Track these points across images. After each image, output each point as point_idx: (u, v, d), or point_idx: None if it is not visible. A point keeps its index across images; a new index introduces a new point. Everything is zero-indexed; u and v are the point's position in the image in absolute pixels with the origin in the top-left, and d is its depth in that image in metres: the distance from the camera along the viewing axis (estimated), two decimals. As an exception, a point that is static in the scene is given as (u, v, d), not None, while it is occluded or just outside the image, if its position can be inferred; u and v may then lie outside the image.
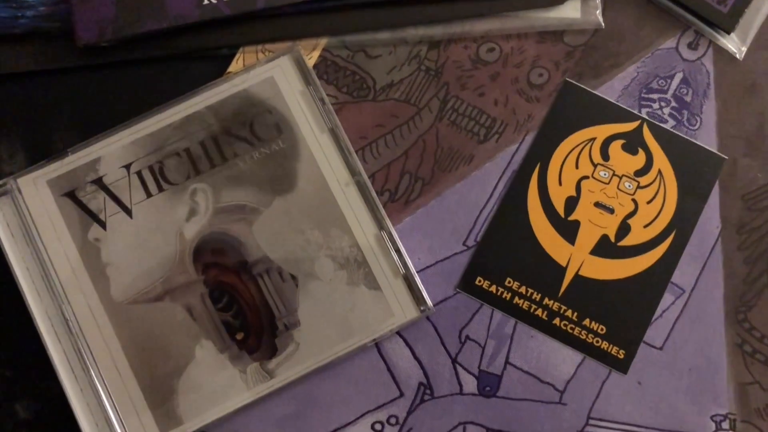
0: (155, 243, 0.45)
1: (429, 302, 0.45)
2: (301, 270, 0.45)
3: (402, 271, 0.46)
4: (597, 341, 0.46)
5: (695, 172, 0.48)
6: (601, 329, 0.46)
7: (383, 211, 0.46)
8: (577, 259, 0.47)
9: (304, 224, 0.46)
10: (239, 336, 0.45)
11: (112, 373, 0.44)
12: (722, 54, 0.49)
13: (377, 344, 0.46)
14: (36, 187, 0.46)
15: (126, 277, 0.45)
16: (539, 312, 0.47)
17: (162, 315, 0.45)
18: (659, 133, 0.48)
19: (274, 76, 0.47)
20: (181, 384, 0.44)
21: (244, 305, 0.45)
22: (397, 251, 0.46)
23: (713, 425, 0.46)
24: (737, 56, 0.49)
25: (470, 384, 0.46)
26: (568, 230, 0.47)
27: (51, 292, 0.45)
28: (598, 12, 0.49)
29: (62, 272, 0.45)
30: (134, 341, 0.44)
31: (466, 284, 0.47)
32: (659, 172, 0.48)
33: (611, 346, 0.46)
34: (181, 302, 0.45)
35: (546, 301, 0.47)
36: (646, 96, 0.49)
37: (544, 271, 0.47)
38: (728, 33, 0.49)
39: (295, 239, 0.46)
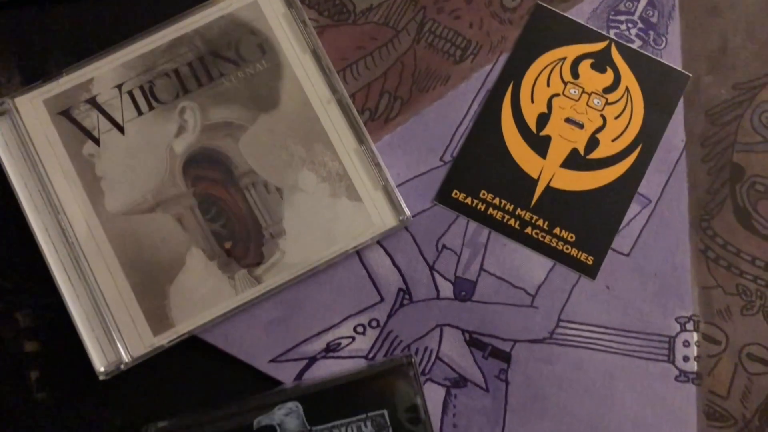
0: (146, 158, 0.48)
1: (407, 212, 0.48)
2: (285, 183, 0.48)
3: (381, 183, 0.48)
4: (567, 248, 0.49)
5: (661, 89, 0.50)
6: (571, 237, 0.49)
7: (363, 128, 0.48)
8: (548, 171, 0.49)
9: (287, 140, 0.48)
10: (227, 245, 0.47)
11: (107, 280, 0.47)
12: (687, -23, 0.52)
13: (359, 253, 0.49)
14: (32, 107, 0.48)
15: (119, 190, 0.47)
16: (512, 222, 0.49)
17: (154, 225, 0.47)
18: (626, 53, 0.51)
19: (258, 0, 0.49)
20: (173, 290, 0.47)
21: (231, 216, 0.48)
22: (377, 165, 0.48)
23: (678, 326, 0.48)
24: (701, -21, 0.51)
25: (447, 289, 0.48)
26: (540, 145, 0.50)
27: (48, 205, 0.47)
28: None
29: (58, 186, 0.47)
30: (128, 250, 0.47)
31: (443, 197, 0.49)
32: (626, 89, 0.50)
33: (580, 252, 0.49)
34: (171, 213, 0.47)
35: (518, 211, 0.49)
36: (614, 18, 0.51)
37: (517, 184, 0.49)
38: (692, -44, 0.51)
39: (279, 154, 0.48)
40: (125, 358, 0.46)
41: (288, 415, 0.44)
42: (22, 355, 0.48)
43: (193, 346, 0.47)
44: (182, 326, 0.46)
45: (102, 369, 0.46)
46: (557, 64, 0.50)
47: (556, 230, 0.49)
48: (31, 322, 0.48)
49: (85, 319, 0.46)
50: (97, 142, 0.48)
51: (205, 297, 0.47)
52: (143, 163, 0.48)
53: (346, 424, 0.44)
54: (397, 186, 0.49)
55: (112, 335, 0.46)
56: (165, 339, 0.46)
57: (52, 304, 0.47)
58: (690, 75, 0.50)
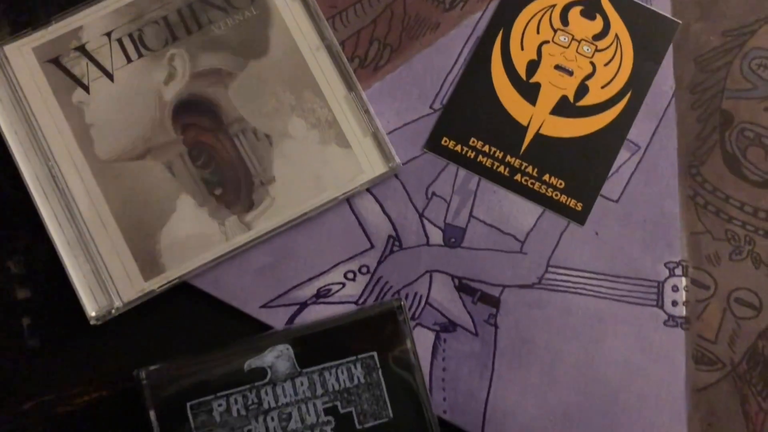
0: (136, 105, 0.48)
1: (397, 158, 0.48)
2: (274, 130, 0.48)
3: (371, 130, 0.48)
4: (556, 195, 0.49)
5: (650, 36, 0.50)
6: (560, 184, 0.49)
7: (353, 74, 0.48)
8: (537, 118, 0.49)
9: (276, 87, 0.48)
10: (218, 191, 0.47)
11: (98, 226, 0.47)
12: (677, -76, 0.51)
13: (349, 201, 0.49)
14: (22, 55, 0.48)
15: (109, 137, 0.47)
16: (501, 169, 0.49)
17: (144, 172, 0.47)
18: (616, 0, 0.51)
19: (247, -53, 0.49)
20: (163, 236, 0.47)
21: (221, 163, 0.48)
22: (366, 112, 0.48)
23: (667, 272, 0.48)
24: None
25: (436, 236, 0.49)
26: (530, 92, 0.50)
27: (39, 153, 0.47)
28: None
29: (49, 134, 0.47)
30: (118, 197, 0.47)
31: (433, 144, 0.49)
32: (616, 36, 0.50)
33: (570, 199, 0.49)
34: (161, 160, 0.47)
35: (508, 158, 0.49)
36: (604, -35, 0.51)
37: (507, 131, 0.49)
38: None
39: (268, 101, 0.48)
40: (116, 303, 0.46)
41: (278, 357, 0.45)
42: (14, 302, 0.48)
43: (184, 292, 0.48)
44: (173, 271, 0.47)
45: (93, 314, 0.46)
46: (547, 11, 0.50)
47: (546, 177, 0.49)
48: (23, 270, 0.48)
49: (76, 266, 0.47)
50: (86, 89, 0.48)
51: (196, 243, 0.47)
52: (133, 110, 0.48)
53: (336, 366, 0.45)
54: (387, 134, 0.49)
55: (103, 281, 0.46)
56: (156, 284, 0.46)
57: (44, 251, 0.48)
58: (679, 22, 0.50)
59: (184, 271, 0.47)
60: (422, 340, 0.48)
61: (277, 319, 0.48)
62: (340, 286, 0.48)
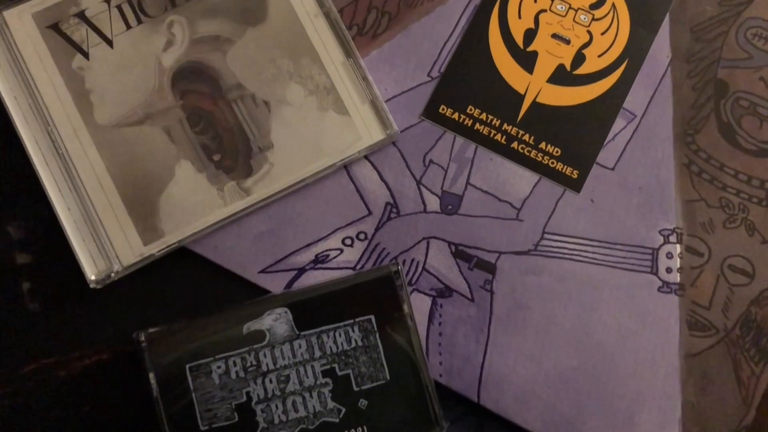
0: (135, 71, 0.48)
1: (395, 126, 0.48)
2: (273, 96, 0.48)
3: (369, 96, 0.48)
4: (552, 162, 0.49)
5: (647, 5, 0.51)
6: (557, 152, 0.49)
7: (351, 41, 0.49)
8: (534, 87, 0.50)
9: (275, 53, 0.48)
10: (216, 157, 0.48)
11: (98, 191, 0.47)
12: None
13: (347, 168, 0.49)
14: (21, 20, 0.48)
15: (109, 103, 0.48)
16: (498, 137, 0.49)
17: (143, 138, 0.48)
18: (613, -31, 0.51)
19: None
20: (162, 201, 0.47)
21: (220, 129, 0.48)
22: (364, 79, 0.48)
23: (661, 239, 0.49)
24: None
25: (433, 203, 0.49)
26: (527, 60, 0.50)
27: (39, 119, 0.47)
28: None
29: (48, 99, 0.48)
30: (117, 162, 0.47)
31: (430, 112, 0.50)
32: (613, 5, 0.50)
33: (566, 167, 0.49)
34: (160, 126, 0.48)
35: (505, 126, 0.50)
36: (601, -66, 0.51)
37: (504, 99, 0.50)
38: None
39: (267, 67, 0.48)
40: (116, 266, 0.46)
41: (277, 320, 0.45)
42: (14, 267, 0.48)
43: (183, 257, 0.48)
44: (172, 236, 0.47)
45: (93, 278, 0.46)
46: (544, -20, 0.51)
47: (542, 145, 0.49)
48: (23, 235, 0.48)
49: (76, 230, 0.47)
50: (86, 55, 0.48)
51: (195, 208, 0.47)
52: (132, 76, 0.48)
53: (333, 329, 0.45)
54: (385, 102, 0.49)
55: (102, 245, 0.46)
56: (155, 248, 0.47)
57: (44, 216, 0.48)
58: (676, -9, 0.51)
59: (183, 235, 0.47)
60: (419, 306, 0.48)
61: (275, 284, 0.48)
62: (338, 252, 0.49)
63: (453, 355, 0.48)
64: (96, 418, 0.47)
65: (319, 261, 0.48)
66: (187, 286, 0.48)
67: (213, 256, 0.48)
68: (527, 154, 0.49)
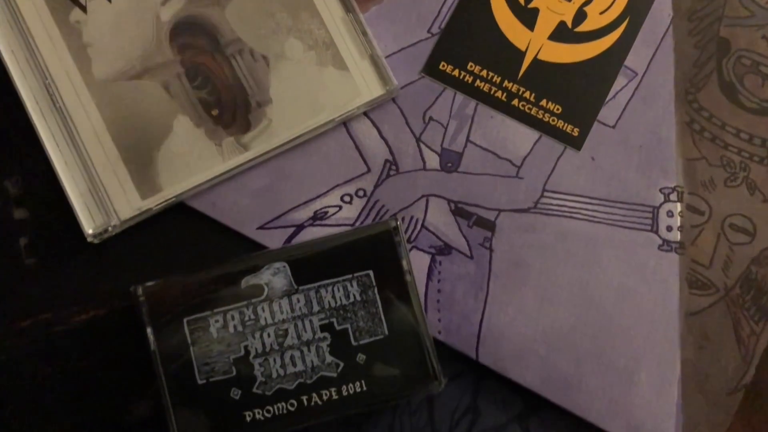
0: (133, 25, 0.48)
1: (394, 81, 0.48)
2: (271, 51, 0.48)
3: (368, 52, 0.48)
4: (553, 120, 0.49)
5: (649, -37, 0.50)
6: (557, 109, 0.49)
7: (350, -3, 0.48)
8: (535, 43, 0.49)
9: (274, 7, 0.48)
10: (214, 112, 0.47)
11: (96, 146, 0.47)
12: None
13: (346, 125, 0.49)
14: (18, -27, 0.48)
15: (106, 57, 0.47)
16: (499, 94, 0.49)
17: (141, 92, 0.47)
18: (616, -74, 0.50)
19: None
20: (160, 156, 0.47)
21: (218, 84, 0.48)
22: (364, 33, 0.48)
23: (662, 197, 0.49)
24: None
25: (433, 160, 0.49)
26: (528, 17, 0.50)
27: (36, 73, 0.47)
28: None
29: (46, 53, 0.47)
30: (115, 116, 0.47)
31: (431, 69, 0.49)
32: (615, -38, 0.50)
33: (566, 124, 0.49)
34: (158, 80, 0.47)
35: (506, 83, 0.49)
36: None
37: (505, 56, 0.49)
38: None
39: (265, 22, 0.48)
40: (114, 221, 0.46)
41: (275, 274, 0.45)
42: (11, 222, 0.48)
43: (182, 213, 0.48)
44: (170, 190, 0.47)
45: (90, 231, 0.46)
46: (546, -64, 0.50)
47: (543, 102, 0.49)
48: (20, 190, 0.48)
49: (73, 185, 0.47)
50: (83, 9, 0.48)
51: (193, 163, 0.47)
52: (130, 30, 0.48)
53: (332, 284, 0.45)
54: (385, 58, 0.49)
55: (100, 199, 0.46)
56: (153, 203, 0.46)
57: (41, 171, 0.48)
58: (679, -52, 0.50)
59: (181, 190, 0.47)
60: (418, 263, 0.48)
61: (273, 240, 0.48)
62: (337, 208, 0.48)
63: (452, 312, 0.48)
64: (93, 372, 0.47)
65: (318, 218, 0.48)
66: (186, 242, 0.48)
67: (211, 212, 0.48)
68: (528, 111, 0.49)
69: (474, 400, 0.48)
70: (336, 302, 0.45)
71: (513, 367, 0.47)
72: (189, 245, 0.48)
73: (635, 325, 0.47)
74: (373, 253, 0.45)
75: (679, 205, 0.48)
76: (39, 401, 0.47)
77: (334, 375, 0.45)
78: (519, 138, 0.49)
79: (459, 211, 0.48)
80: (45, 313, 0.47)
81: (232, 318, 0.45)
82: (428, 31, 0.50)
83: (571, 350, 0.47)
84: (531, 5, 0.50)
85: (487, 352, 0.47)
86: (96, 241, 0.46)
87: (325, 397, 0.44)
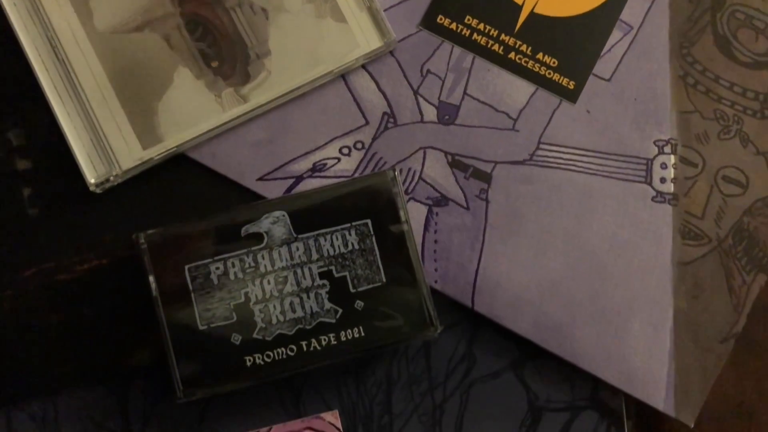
0: (134, -22, 0.48)
1: (392, 33, 0.48)
2: (270, 3, 0.48)
3: (366, 3, 0.48)
4: (549, 73, 0.50)
5: None
6: (553, 62, 0.50)
7: (349, -50, 0.49)
8: (532, -3, 0.50)
9: (273, -39, 0.48)
10: (214, 64, 0.48)
11: (98, 97, 0.47)
12: None
13: (344, 78, 0.49)
14: (19, -74, 0.48)
15: (108, 9, 0.48)
16: (496, 47, 0.50)
17: (142, 44, 0.48)
18: None
19: None
20: (161, 107, 0.48)
21: (218, 36, 0.48)
22: (362, -13, 0.49)
23: (656, 149, 0.49)
24: None
25: (430, 113, 0.49)
26: (524, -29, 0.50)
27: (38, 25, 0.48)
28: None
29: (48, 5, 0.48)
30: (116, 68, 0.48)
31: (428, 22, 0.50)
32: None
33: (562, 77, 0.50)
34: (159, 32, 0.48)
35: (503, 36, 0.50)
36: None
37: (502, 9, 0.50)
38: None
39: (265, -25, 0.48)
40: (116, 170, 0.47)
41: (275, 223, 0.46)
42: (14, 173, 0.49)
43: (182, 165, 0.49)
44: (170, 141, 0.47)
45: (93, 181, 0.47)
46: None
47: (539, 56, 0.50)
48: (23, 141, 0.49)
49: (76, 135, 0.47)
50: (84, -39, 0.48)
51: (193, 114, 0.48)
52: (131, -18, 0.48)
53: (330, 233, 0.46)
54: (383, 11, 0.49)
55: (103, 149, 0.47)
56: (154, 153, 0.47)
57: (44, 122, 0.48)
58: None
59: (182, 140, 0.47)
60: (415, 215, 0.49)
61: (273, 191, 0.49)
62: (335, 161, 0.49)
63: (448, 261, 0.48)
64: (96, 320, 0.48)
65: (317, 169, 0.49)
66: (186, 193, 0.49)
67: (212, 163, 0.49)
68: (524, 64, 0.50)
69: (470, 348, 0.49)
70: (334, 250, 0.46)
71: (508, 316, 0.48)
72: (190, 196, 0.49)
73: (628, 274, 0.48)
74: (371, 202, 0.46)
75: (672, 157, 0.49)
76: (43, 349, 0.48)
77: (333, 321, 0.45)
78: (515, 91, 0.49)
79: (456, 163, 0.49)
80: (48, 263, 0.48)
81: (233, 265, 0.45)
82: (426, -15, 0.50)
83: (565, 299, 0.48)
84: (528, -41, 0.50)
85: (482, 301, 0.48)
86: (98, 190, 0.47)
87: (324, 343, 0.45)
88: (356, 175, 0.49)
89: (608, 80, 0.50)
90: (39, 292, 0.48)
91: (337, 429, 0.48)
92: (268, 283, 0.45)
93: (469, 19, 0.50)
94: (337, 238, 0.46)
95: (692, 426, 0.48)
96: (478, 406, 0.49)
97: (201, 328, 0.45)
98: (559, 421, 0.49)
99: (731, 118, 0.49)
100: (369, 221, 0.46)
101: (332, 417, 0.49)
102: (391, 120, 0.49)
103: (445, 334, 0.49)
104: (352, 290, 0.46)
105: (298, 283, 0.46)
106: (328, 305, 0.46)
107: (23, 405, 0.48)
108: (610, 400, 0.49)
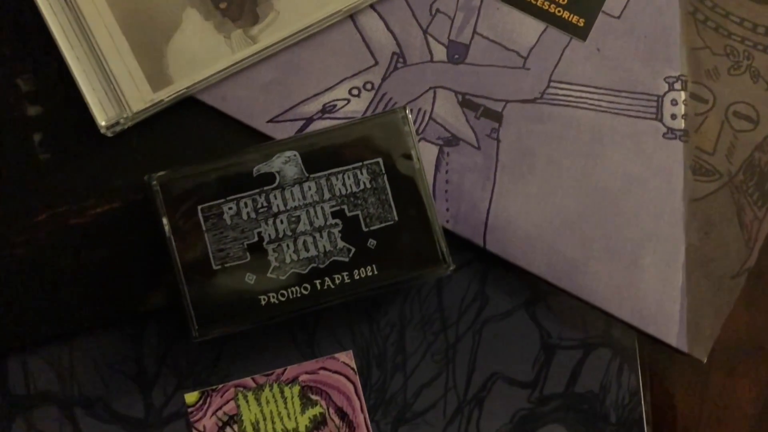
0: None
1: (400, -27, 0.48)
2: (278, -57, 0.48)
3: (374, -57, 0.48)
4: (559, 11, 0.49)
5: None
6: (563, 0, 0.49)
7: None
8: (540, -65, 0.50)
9: None
10: (222, 5, 0.48)
11: (107, 40, 0.47)
12: None
13: (353, 18, 0.49)
14: None
15: (114, -49, 0.48)
16: (505, -15, 0.49)
17: (149, -14, 0.48)
18: None
19: None
20: (170, 49, 0.47)
21: (226, -23, 0.48)
22: (370, -74, 0.48)
23: (666, 86, 0.49)
24: None
25: (440, 53, 0.49)
26: None
27: (44, -32, 0.47)
28: None
29: (54, -52, 0.47)
30: (125, 10, 0.47)
31: (436, -38, 0.50)
32: None
33: (572, 15, 0.49)
34: (167, -26, 0.48)
35: (511, -25, 0.49)
36: None
37: (510, -52, 0.50)
38: None
39: None
40: (126, 112, 0.47)
41: (286, 163, 0.46)
42: (25, 119, 0.49)
43: (192, 108, 0.49)
44: (180, 83, 0.47)
45: (104, 123, 0.47)
46: None
47: (548, -7, 0.49)
48: (33, 87, 0.49)
49: (86, 79, 0.47)
50: None
51: (202, 56, 0.47)
52: (137, -76, 0.48)
53: (342, 172, 0.46)
54: (390, -48, 0.49)
55: (113, 92, 0.47)
56: (164, 95, 0.47)
57: (54, 68, 0.48)
58: None
59: (192, 82, 0.47)
60: (426, 155, 0.49)
61: (283, 133, 0.49)
62: (345, 102, 0.49)
63: (460, 201, 0.48)
64: (110, 263, 0.48)
65: (327, 111, 0.49)
66: (197, 136, 0.49)
67: (222, 106, 0.48)
68: (534, 2, 0.49)
69: (482, 288, 0.49)
70: (346, 189, 0.46)
71: (520, 254, 0.48)
72: (200, 139, 0.49)
73: (640, 211, 0.48)
74: (382, 140, 0.46)
75: (683, 93, 0.49)
76: (56, 294, 0.48)
77: (346, 260, 0.46)
78: (525, 29, 0.49)
79: (466, 102, 0.49)
80: (60, 207, 0.48)
81: (245, 205, 0.45)
82: (434, -75, 0.50)
83: (577, 236, 0.48)
84: None
85: (494, 239, 0.48)
86: (109, 133, 0.47)
87: (337, 281, 0.45)
88: (366, 115, 0.49)
89: (618, 17, 0.49)
90: (52, 236, 0.48)
91: (352, 369, 0.49)
92: (281, 222, 0.45)
93: (477, -42, 0.49)
94: (348, 177, 0.46)
95: (705, 361, 0.48)
96: (490, 345, 0.49)
97: (215, 267, 0.45)
98: (572, 358, 0.49)
99: (741, 53, 0.49)
100: (380, 160, 0.46)
101: (346, 357, 0.49)
102: (401, 60, 0.49)
103: (456, 274, 0.49)
104: (365, 229, 0.46)
105: (310, 223, 0.46)
106: (340, 244, 0.46)
107: (39, 350, 0.48)
108: (622, 337, 0.49)
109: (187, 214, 0.45)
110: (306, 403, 0.49)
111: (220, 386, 0.49)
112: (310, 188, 0.46)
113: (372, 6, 0.49)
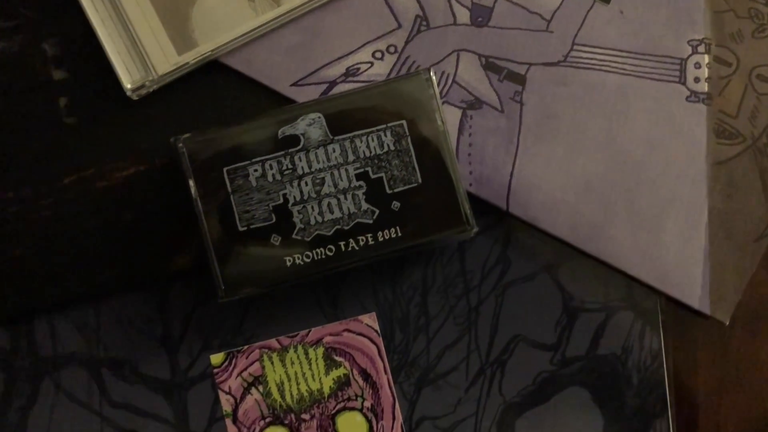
0: None
1: (424, -65, 0.48)
2: None
3: None
4: (582, -26, 0.49)
5: None
6: (586, -37, 0.49)
7: None
8: None
9: None
10: (247, -32, 0.48)
11: (132, 4, 0.48)
12: None
13: (376, -18, 0.49)
14: None
15: None
16: (528, -52, 0.49)
17: (174, -50, 0.48)
18: None
19: None
20: (195, 12, 0.48)
21: (250, -60, 0.48)
22: None
23: (689, 49, 0.49)
24: None
25: (464, 15, 0.49)
26: None
27: (69, -68, 0.48)
28: None
29: None
30: (149, -26, 0.48)
31: (459, -75, 0.50)
32: None
33: (595, -22, 0.49)
34: (191, -63, 0.48)
35: (534, -62, 0.49)
36: None
37: None
38: None
39: None
40: (152, 75, 0.47)
41: (311, 125, 0.46)
42: (50, 83, 0.49)
43: (217, 71, 0.49)
44: (205, 46, 0.48)
45: (129, 86, 0.47)
46: None
47: (572, -42, 0.49)
48: (59, 51, 0.49)
49: (111, 42, 0.48)
50: None
51: (226, 19, 0.48)
52: None
53: (366, 134, 0.46)
54: None
55: (139, 54, 0.47)
56: (189, 57, 0.47)
57: (79, 32, 0.49)
58: None
59: (216, 45, 0.48)
60: (449, 118, 0.49)
61: (307, 97, 0.49)
62: (369, 65, 0.49)
63: (483, 164, 0.49)
64: (136, 226, 0.49)
65: (350, 74, 0.49)
66: (222, 100, 0.49)
67: (246, 69, 0.49)
68: (557, -35, 0.49)
69: (504, 250, 0.50)
70: (370, 152, 0.46)
71: (543, 217, 0.48)
72: (225, 103, 0.49)
73: (663, 174, 0.48)
74: (406, 103, 0.46)
75: (706, 56, 0.49)
76: (84, 255, 0.48)
77: (370, 222, 0.46)
78: (548, -8, 0.49)
79: (490, 65, 0.49)
80: (87, 170, 0.49)
81: (270, 167, 0.46)
82: None
83: (600, 199, 0.48)
84: None
85: (517, 202, 0.48)
86: (135, 96, 0.47)
87: (361, 243, 0.46)
88: (390, 79, 0.49)
89: (642, -20, 0.49)
90: (79, 199, 0.48)
91: (375, 330, 0.49)
92: (306, 184, 0.46)
93: None
94: (372, 140, 0.46)
95: (727, 323, 0.48)
96: (512, 308, 0.50)
97: (241, 229, 0.45)
98: (594, 321, 0.50)
99: (766, 16, 0.49)
100: (404, 122, 0.46)
101: (370, 319, 0.49)
102: (424, 23, 0.49)
103: (479, 237, 0.49)
104: (389, 191, 0.46)
105: (335, 185, 0.46)
106: (365, 206, 0.46)
107: (66, 312, 0.49)
108: (644, 300, 0.49)
109: (212, 176, 0.46)
110: (330, 364, 0.50)
111: (245, 347, 0.49)
112: (334, 150, 0.46)
113: (395, -31, 0.49)
